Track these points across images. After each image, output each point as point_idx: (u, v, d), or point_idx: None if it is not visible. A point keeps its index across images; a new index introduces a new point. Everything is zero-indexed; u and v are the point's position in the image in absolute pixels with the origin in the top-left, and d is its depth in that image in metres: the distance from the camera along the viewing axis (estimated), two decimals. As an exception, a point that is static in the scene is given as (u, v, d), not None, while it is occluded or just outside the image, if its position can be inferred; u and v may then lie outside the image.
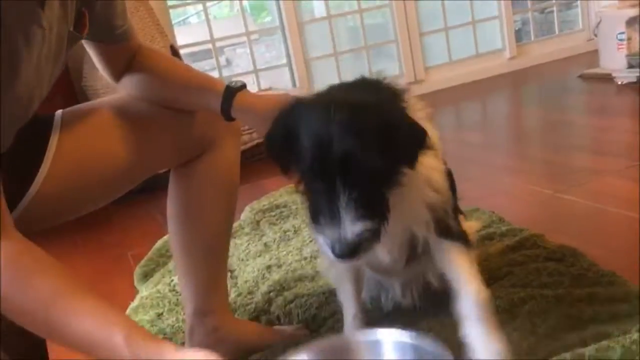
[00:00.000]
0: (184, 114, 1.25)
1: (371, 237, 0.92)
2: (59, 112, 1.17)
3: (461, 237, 1.17)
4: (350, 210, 0.90)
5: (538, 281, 1.42)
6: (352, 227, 0.89)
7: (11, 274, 0.86)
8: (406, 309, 1.39)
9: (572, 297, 1.32)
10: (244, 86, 1.21)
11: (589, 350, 0.98)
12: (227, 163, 1.32)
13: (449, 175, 1.16)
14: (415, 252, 1.17)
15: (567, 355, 1.00)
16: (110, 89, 1.95)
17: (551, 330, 1.23)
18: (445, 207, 1.11)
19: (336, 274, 1.27)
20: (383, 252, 1.15)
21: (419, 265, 1.25)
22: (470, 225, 1.35)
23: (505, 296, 1.38)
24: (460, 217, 1.27)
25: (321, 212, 0.92)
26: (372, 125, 0.94)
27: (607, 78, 3.45)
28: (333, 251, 0.91)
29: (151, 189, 2.71)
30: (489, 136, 3.18)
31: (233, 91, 1.19)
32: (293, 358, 0.97)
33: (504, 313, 1.32)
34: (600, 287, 1.35)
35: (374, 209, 0.93)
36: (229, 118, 1.20)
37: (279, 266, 1.76)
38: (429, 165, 1.05)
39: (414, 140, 0.97)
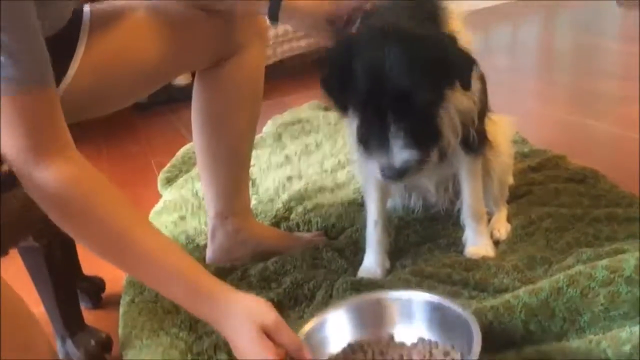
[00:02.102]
0: (215, 16, 1.23)
1: (418, 165, 1.00)
2: (88, 8, 1.16)
3: (481, 148, 1.22)
4: (400, 139, 0.97)
5: (557, 201, 1.43)
6: (400, 155, 0.98)
7: (73, 196, 0.86)
8: (434, 215, 1.43)
9: (591, 216, 1.33)
10: None
11: (602, 262, 0.99)
12: (253, 68, 1.32)
13: (482, 79, 1.18)
14: (445, 152, 1.20)
15: (581, 267, 1.01)
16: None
17: (567, 247, 1.24)
18: (473, 115, 1.12)
19: (365, 173, 1.29)
20: None
21: (450, 167, 1.27)
22: (503, 132, 1.35)
23: (522, 213, 1.39)
24: (493, 121, 1.29)
25: (373, 139, 1.00)
26: (425, 57, 0.99)
27: (645, 4, 3.32)
28: (383, 174, 1.00)
29: (175, 102, 2.74)
30: (518, 60, 3.11)
31: None
32: (332, 313, 1.01)
33: (521, 229, 1.35)
34: (619, 208, 1.35)
35: (423, 138, 1.01)
36: (274, 18, 1.18)
37: (300, 177, 1.78)
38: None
39: (464, 70, 1.02)
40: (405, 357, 0.95)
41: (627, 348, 0.90)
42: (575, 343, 0.93)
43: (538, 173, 1.58)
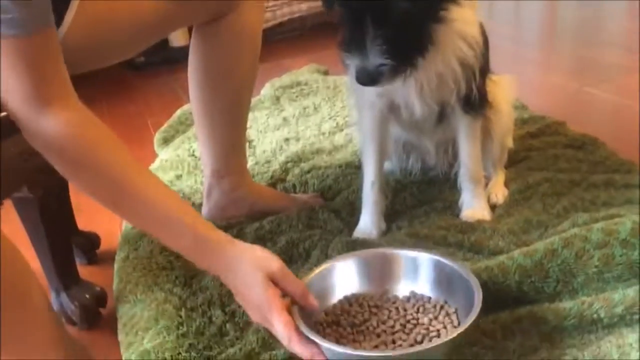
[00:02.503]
0: None
1: (393, 71, 0.99)
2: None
3: (482, 108, 1.20)
4: (376, 44, 0.96)
5: (555, 166, 1.42)
6: (374, 59, 0.97)
7: (78, 144, 0.85)
8: (432, 179, 1.42)
9: (588, 182, 1.33)
10: None
11: (597, 225, 0.99)
12: (251, 24, 1.29)
13: (484, 35, 1.16)
14: (445, 112, 1.19)
15: (576, 229, 1.01)
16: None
17: (563, 211, 1.24)
18: (474, 68, 1.11)
19: (363, 131, 1.28)
20: (414, 97, 1.16)
21: (450, 128, 1.26)
22: (504, 94, 1.34)
23: (520, 178, 1.39)
24: (493, 81, 1.27)
25: (351, 40, 0.99)
26: None
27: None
28: (357, 77, 1.00)
29: (172, 63, 2.71)
30: (521, 30, 3.07)
31: None
32: (341, 261, 1.02)
33: (518, 193, 1.34)
34: (617, 175, 1.34)
35: (400, 46, 0.99)
36: None
37: (297, 139, 1.77)
38: (465, 18, 1.05)
39: None
40: (399, 308, 0.95)
41: (619, 310, 0.90)
42: (568, 304, 0.93)
43: (537, 139, 1.58)
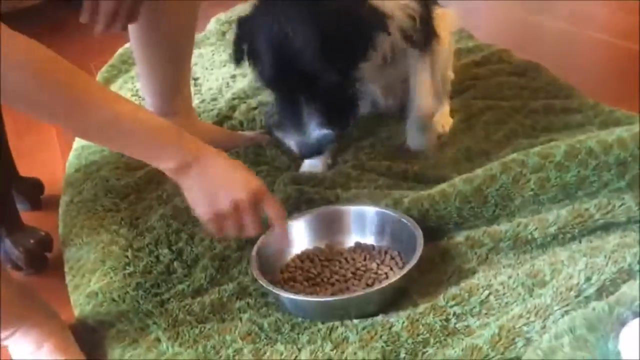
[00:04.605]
0: None
1: (333, 137, 0.99)
2: None
3: (429, 43, 1.18)
4: (313, 118, 0.96)
5: (499, 94, 1.44)
6: (314, 133, 0.97)
7: (36, 60, 0.78)
8: (383, 116, 1.42)
9: (528, 108, 1.35)
10: None
11: (534, 150, 1.02)
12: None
13: None
14: (392, 54, 1.17)
15: (514, 155, 1.03)
16: None
17: (504, 139, 1.27)
18: (415, 24, 1.10)
19: None
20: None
21: (397, 69, 1.24)
22: (451, 14, 1.33)
23: (464, 108, 1.40)
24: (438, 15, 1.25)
25: (286, 119, 0.99)
26: (329, 29, 0.94)
27: None
28: (299, 153, 1.01)
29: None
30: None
31: None
32: (293, 221, 1.04)
33: (462, 123, 1.36)
34: (557, 100, 1.37)
35: (337, 114, 0.99)
36: None
37: (244, 76, 1.74)
38: None
39: (374, 32, 1.01)
40: (348, 259, 1.00)
41: (552, 229, 0.94)
42: (504, 227, 0.97)
43: (482, 67, 1.59)
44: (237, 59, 1.08)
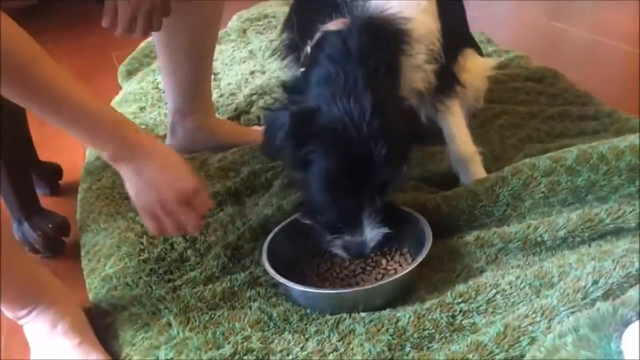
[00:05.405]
0: None
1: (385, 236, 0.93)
2: None
3: (452, 91, 1.14)
4: (373, 217, 0.91)
5: (515, 99, 1.45)
6: (372, 233, 0.91)
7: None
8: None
9: (545, 114, 1.36)
10: None
11: (547, 154, 1.02)
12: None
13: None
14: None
15: (526, 159, 1.04)
16: None
17: (519, 143, 1.27)
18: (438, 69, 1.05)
19: None
20: None
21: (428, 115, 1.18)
22: (486, 61, 1.32)
23: (480, 112, 1.41)
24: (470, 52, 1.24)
25: (341, 221, 0.92)
26: (399, 141, 0.89)
27: None
28: (350, 252, 0.93)
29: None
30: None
31: None
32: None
33: (478, 128, 1.36)
34: (574, 107, 1.38)
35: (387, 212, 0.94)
36: None
37: (263, 72, 1.76)
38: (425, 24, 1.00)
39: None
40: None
41: (562, 233, 0.95)
42: (514, 228, 0.97)
43: (499, 72, 1.59)
44: (270, 151, 0.96)
